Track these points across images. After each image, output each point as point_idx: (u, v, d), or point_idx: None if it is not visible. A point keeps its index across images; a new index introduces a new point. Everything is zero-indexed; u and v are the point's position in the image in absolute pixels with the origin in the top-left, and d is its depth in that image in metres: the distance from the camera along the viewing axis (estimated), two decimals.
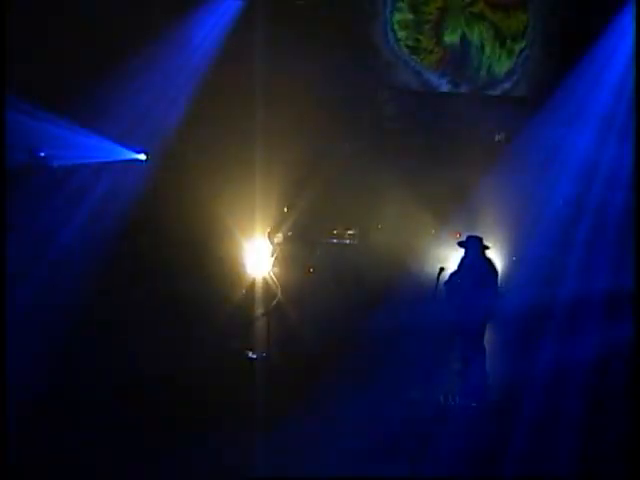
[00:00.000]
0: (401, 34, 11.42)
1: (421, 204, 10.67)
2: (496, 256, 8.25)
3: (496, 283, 7.59)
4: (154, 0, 9.76)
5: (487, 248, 7.67)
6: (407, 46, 11.46)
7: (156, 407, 6.72)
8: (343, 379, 7.42)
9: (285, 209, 10.33)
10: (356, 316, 8.85)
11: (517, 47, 11.40)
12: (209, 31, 10.56)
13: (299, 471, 5.84)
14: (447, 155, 10.87)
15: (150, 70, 9.90)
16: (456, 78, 11.49)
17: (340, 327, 8.69)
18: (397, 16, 11.37)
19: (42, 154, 9.02)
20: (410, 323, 8.22)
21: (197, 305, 8.72)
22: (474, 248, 7.63)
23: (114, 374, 7.28)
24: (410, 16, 11.36)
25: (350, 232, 11.40)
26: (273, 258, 8.85)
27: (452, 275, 7.66)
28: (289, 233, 9.19)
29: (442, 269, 7.59)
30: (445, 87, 11.56)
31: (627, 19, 9.79)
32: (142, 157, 10.07)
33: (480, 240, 7.66)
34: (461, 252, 7.80)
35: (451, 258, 8.57)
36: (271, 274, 8.77)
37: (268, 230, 9.62)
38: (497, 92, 11.51)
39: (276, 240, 9.02)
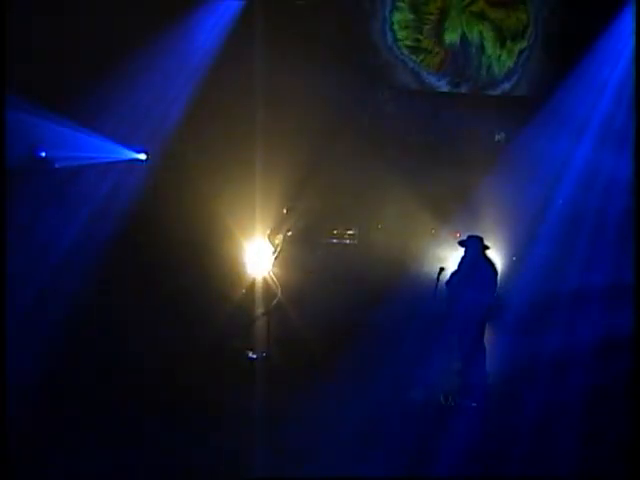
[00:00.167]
0: (401, 34, 11.42)
1: (421, 204, 10.68)
2: (496, 256, 8.24)
3: (496, 283, 7.58)
4: (154, 0, 9.75)
5: (487, 248, 7.66)
6: (407, 46, 11.46)
7: (156, 407, 6.72)
8: (343, 379, 7.42)
9: (284, 211, 10.32)
10: (356, 316, 8.85)
11: (517, 47, 11.41)
12: (209, 31, 10.56)
13: (299, 471, 5.84)
14: (447, 155, 10.89)
15: (150, 70, 9.90)
16: (456, 78, 11.50)
17: (340, 327, 8.69)
18: (397, 16, 11.37)
19: (43, 154, 9.03)
20: (410, 323, 8.22)
21: (197, 305, 8.73)
22: (474, 248, 7.62)
23: (114, 374, 7.27)
24: (410, 16, 11.36)
25: (350, 232, 11.41)
26: (274, 258, 8.84)
27: (452, 275, 7.65)
28: (289, 233, 9.17)
29: (442, 269, 7.60)
30: (445, 87, 11.57)
31: (627, 19, 9.80)
32: (142, 157, 10.07)
33: (480, 240, 7.65)
34: (461, 252, 7.79)
35: (451, 258, 8.57)
36: (271, 274, 8.76)
37: (268, 231, 9.61)
38: (497, 92, 11.52)
39: (276, 241, 9.01)
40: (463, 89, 11.56)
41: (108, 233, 9.10)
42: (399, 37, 11.43)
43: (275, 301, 8.55)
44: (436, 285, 7.49)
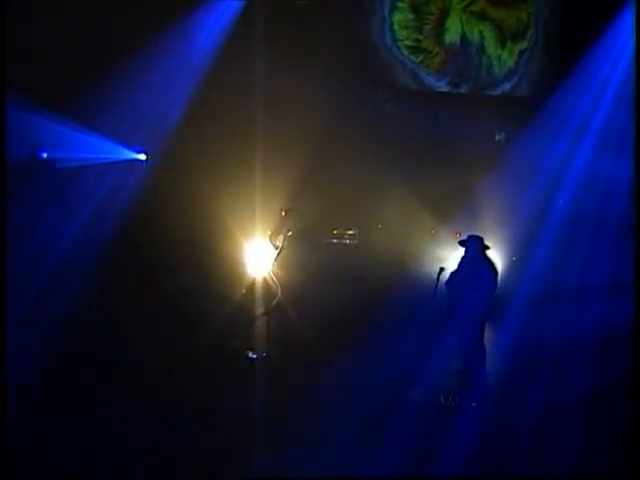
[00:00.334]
0: (401, 34, 11.42)
1: (421, 204, 10.68)
2: (496, 256, 8.24)
3: (496, 283, 7.58)
4: (154, 0, 9.75)
5: (487, 248, 7.66)
6: (407, 46, 11.46)
7: (156, 407, 6.71)
8: (343, 379, 7.42)
9: (283, 213, 10.32)
10: (356, 316, 8.85)
11: (517, 47, 11.40)
12: (209, 31, 10.56)
13: (299, 471, 5.84)
14: (447, 155, 10.88)
15: (150, 70, 9.91)
16: (456, 78, 11.50)
17: (340, 327, 8.69)
18: (397, 16, 11.37)
19: (44, 155, 9.04)
20: (410, 323, 8.22)
21: (197, 305, 8.72)
22: (474, 248, 7.61)
23: (114, 374, 7.27)
24: (410, 16, 11.36)
25: (350, 232, 11.41)
26: (275, 259, 8.84)
27: (452, 274, 7.65)
28: (289, 233, 9.18)
29: (442, 269, 7.60)
30: (445, 87, 11.57)
31: (627, 19, 9.80)
32: (142, 157, 10.08)
33: (481, 240, 7.65)
34: (461, 252, 7.79)
35: (451, 258, 8.57)
36: (271, 274, 8.76)
37: (269, 232, 9.62)
38: (497, 92, 11.51)
39: (277, 242, 9.02)
40: (463, 89, 11.56)
41: (108, 233, 9.10)
42: (399, 37, 11.43)
43: (275, 301, 8.54)
44: (436, 285, 7.49)
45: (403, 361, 7.75)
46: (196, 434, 6.36)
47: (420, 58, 11.48)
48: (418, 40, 11.44)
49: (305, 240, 9.79)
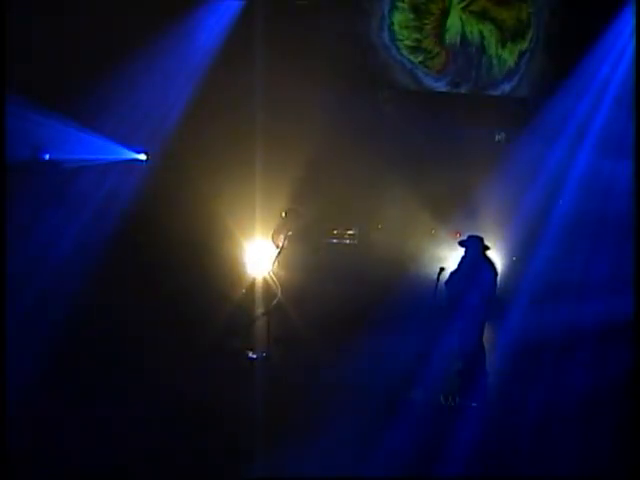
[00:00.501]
0: (401, 34, 11.42)
1: (421, 204, 10.68)
2: (496, 256, 8.24)
3: (496, 283, 7.58)
4: (154, 0, 9.75)
5: (488, 248, 7.66)
6: (407, 46, 11.46)
7: (156, 407, 6.71)
8: (343, 379, 7.42)
9: (283, 214, 10.32)
10: (356, 316, 8.85)
11: (518, 47, 11.40)
12: (209, 31, 10.56)
13: (299, 471, 5.84)
14: (447, 155, 10.88)
15: (150, 70, 9.91)
16: (456, 78, 11.50)
17: (340, 327, 8.69)
18: (397, 16, 11.37)
19: (47, 156, 9.05)
20: (410, 323, 8.22)
21: (197, 305, 8.72)
22: (474, 248, 7.62)
23: (114, 374, 7.27)
24: (410, 16, 11.36)
25: (350, 232, 11.41)
26: (276, 258, 8.84)
27: (452, 274, 7.65)
28: (289, 233, 9.19)
29: (442, 269, 7.60)
30: (445, 87, 11.57)
31: (627, 19, 9.80)
32: (142, 157, 10.08)
33: (481, 240, 7.65)
34: (461, 252, 7.79)
35: (451, 258, 8.57)
36: (271, 274, 8.76)
37: (272, 231, 9.63)
38: (497, 92, 11.51)
39: (279, 242, 9.03)
40: (463, 89, 11.56)
41: (108, 233, 9.10)
42: (399, 37, 11.43)
43: (275, 301, 8.54)
44: (436, 285, 7.49)
45: (403, 361, 7.75)
46: (196, 434, 6.35)
47: (420, 58, 11.48)
48: (418, 40, 11.43)
49: (305, 240, 9.78)
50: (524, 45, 11.38)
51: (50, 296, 7.99)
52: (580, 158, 10.23)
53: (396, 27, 11.41)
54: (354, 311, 9.02)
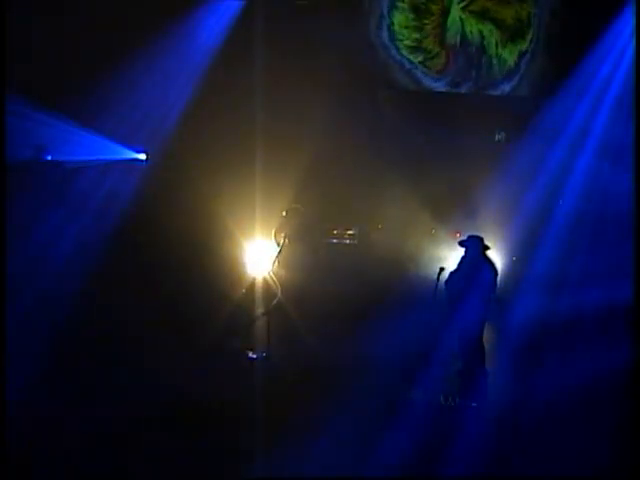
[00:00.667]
0: (401, 34, 11.42)
1: (421, 204, 10.68)
2: (496, 256, 8.24)
3: (496, 283, 7.58)
4: (154, 0, 9.76)
5: (488, 248, 7.66)
6: (407, 46, 11.46)
7: (156, 407, 6.72)
8: (343, 379, 7.42)
9: (284, 213, 10.34)
10: (356, 316, 8.85)
11: (518, 47, 11.39)
12: (209, 31, 10.57)
13: (299, 471, 5.84)
14: (447, 155, 10.87)
15: (150, 70, 9.91)
16: (456, 78, 11.49)
17: (340, 327, 8.69)
18: (397, 16, 11.37)
19: (48, 157, 9.06)
20: (410, 322, 8.22)
21: (197, 305, 8.72)
22: (474, 248, 7.62)
23: (114, 374, 7.27)
24: (410, 15, 11.36)
25: (350, 232, 11.41)
26: (276, 258, 8.84)
27: (452, 274, 7.65)
28: (290, 233, 9.20)
29: (442, 269, 7.60)
30: (445, 87, 11.57)
31: (627, 20, 9.80)
32: (142, 157, 10.08)
33: (481, 240, 7.65)
34: (461, 252, 7.79)
35: (450, 258, 8.57)
36: (271, 274, 8.76)
37: (274, 230, 9.65)
38: (497, 92, 11.51)
39: (281, 241, 9.03)
40: (463, 89, 11.55)
41: (108, 233, 9.10)
42: (399, 37, 11.42)
43: (275, 301, 8.54)
44: (436, 285, 7.49)
45: (403, 361, 7.75)
46: (196, 434, 6.35)
47: (420, 58, 11.48)
48: (418, 40, 11.43)
49: (305, 240, 9.79)
50: (524, 45, 11.38)
51: (50, 296, 7.99)
52: (580, 158, 10.23)
53: (396, 27, 11.41)
54: (354, 311, 9.01)
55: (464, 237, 7.90)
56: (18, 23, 7.86)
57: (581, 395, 7.00)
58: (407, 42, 11.44)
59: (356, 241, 11.42)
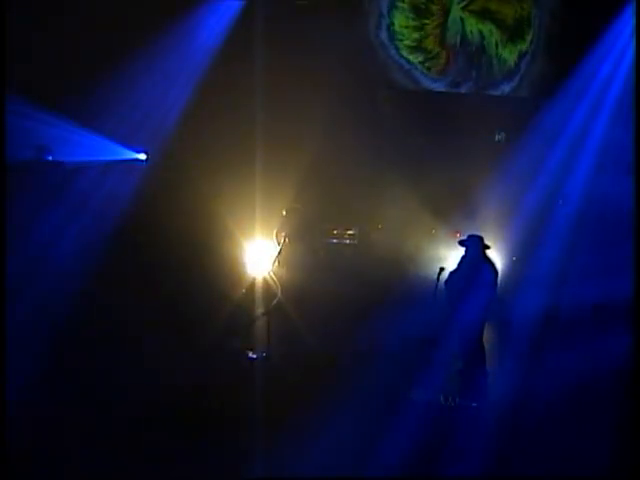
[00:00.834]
0: (401, 34, 11.43)
1: (421, 204, 10.68)
2: (496, 256, 8.24)
3: (496, 283, 7.57)
4: (154, 0, 9.76)
5: (488, 248, 7.65)
6: (407, 46, 11.47)
7: (156, 407, 6.71)
8: (343, 379, 7.42)
9: (284, 212, 10.35)
10: (356, 316, 8.84)
11: (518, 47, 11.40)
12: (209, 31, 10.57)
13: (299, 471, 5.84)
14: (447, 155, 10.88)
15: (150, 70, 9.92)
16: (456, 78, 11.50)
17: (340, 327, 8.68)
18: (397, 16, 11.38)
19: (50, 157, 9.06)
20: (410, 322, 8.22)
21: (197, 305, 8.72)
22: (474, 247, 7.61)
23: (113, 374, 7.27)
24: (411, 15, 11.37)
25: (350, 232, 11.41)
26: (276, 258, 8.84)
27: (452, 274, 7.65)
28: (290, 233, 9.20)
29: (442, 269, 7.60)
30: (445, 87, 11.57)
31: (627, 20, 9.81)
32: (142, 157, 10.08)
33: (481, 239, 7.64)
34: (461, 251, 7.79)
35: (450, 258, 8.57)
36: (271, 274, 8.76)
37: (275, 230, 9.64)
38: (497, 92, 11.52)
39: (282, 240, 9.04)
40: (463, 89, 11.56)
41: (108, 233, 9.10)
42: (399, 37, 11.43)
43: (275, 301, 8.53)
44: (436, 285, 7.49)
45: (403, 361, 7.75)
46: (196, 434, 6.35)
47: (420, 58, 11.48)
48: (418, 40, 11.44)
49: (305, 240, 9.79)
50: (524, 45, 11.38)
51: (50, 296, 7.99)
52: (580, 158, 10.23)
53: (396, 27, 11.42)
54: (354, 311, 9.01)
55: (464, 237, 7.89)
56: (18, 23, 7.86)
57: (581, 395, 7.01)
58: (407, 42, 11.45)
59: (356, 241, 11.42)
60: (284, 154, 10.06)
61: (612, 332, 7.78)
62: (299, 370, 7.83)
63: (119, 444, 6.09)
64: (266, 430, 6.45)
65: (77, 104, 8.99)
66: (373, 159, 10.53)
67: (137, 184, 9.73)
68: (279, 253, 8.95)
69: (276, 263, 8.94)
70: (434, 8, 11.34)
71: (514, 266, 10.04)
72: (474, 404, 7.19)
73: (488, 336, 7.77)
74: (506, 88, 11.50)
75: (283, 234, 9.41)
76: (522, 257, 10.15)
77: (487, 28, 11.35)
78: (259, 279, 8.93)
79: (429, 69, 11.51)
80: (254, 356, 8.16)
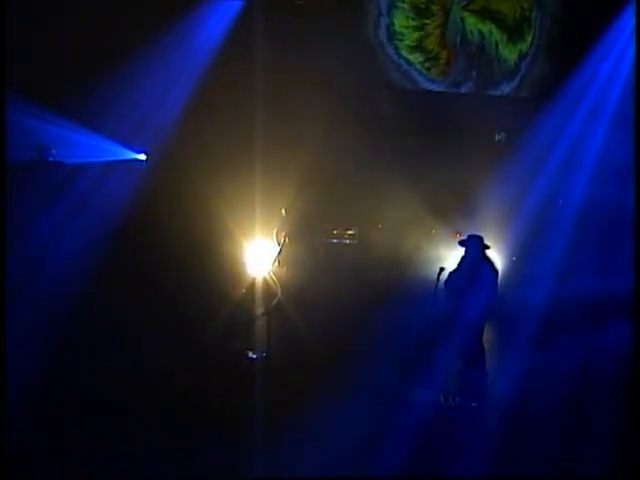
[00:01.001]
0: (401, 34, 11.43)
1: (421, 204, 10.68)
2: (496, 256, 8.24)
3: (496, 283, 7.57)
4: (155, 0, 9.77)
5: (488, 248, 7.65)
6: (407, 46, 11.47)
7: (156, 407, 6.71)
8: (343, 379, 7.42)
9: (283, 211, 10.35)
10: (356, 316, 8.85)
11: (518, 48, 11.40)
12: (209, 31, 10.57)
13: (299, 471, 5.84)
14: (447, 155, 10.88)
15: (150, 70, 9.92)
16: (456, 78, 11.50)
17: (340, 327, 8.68)
18: (398, 16, 11.38)
19: (48, 157, 9.06)
20: (410, 323, 8.22)
21: (197, 305, 8.72)
22: (475, 247, 7.60)
23: (113, 374, 7.27)
24: (411, 15, 11.36)
25: (350, 232, 11.42)
26: (276, 257, 8.84)
27: (451, 274, 7.64)
28: (290, 233, 9.20)
29: (442, 269, 7.60)
30: (445, 87, 11.57)
31: (627, 20, 9.81)
32: (142, 157, 10.08)
33: (481, 239, 7.64)
34: (461, 251, 7.79)
35: (450, 258, 8.57)
36: (271, 274, 8.76)
37: (275, 230, 9.63)
38: (498, 92, 11.52)
39: (282, 240, 9.03)
40: (463, 89, 11.56)
41: (108, 233, 9.10)
42: (399, 37, 11.43)
43: (275, 301, 8.53)
44: (436, 285, 7.48)
45: (403, 361, 7.75)
46: (196, 434, 6.35)
47: (420, 58, 11.48)
48: (418, 40, 11.44)
49: (305, 240, 9.78)
50: (524, 45, 11.39)
51: (50, 296, 7.99)
52: (580, 158, 10.23)
53: (396, 27, 11.42)
54: (354, 311, 9.01)
55: (464, 237, 7.89)
56: (18, 23, 7.86)
57: (581, 395, 7.01)
58: (407, 42, 11.45)
59: (356, 241, 11.42)
60: (284, 154, 10.06)
61: (612, 332, 7.79)
62: (299, 370, 7.83)
63: (119, 444, 6.09)
64: (266, 430, 6.45)
65: (77, 104, 8.99)
66: (373, 159, 10.53)
67: (137, 184, 9.73)
68: (279, 253, 8.95)
69: (276, 263, 8.94)
70: (434, 8, 11.33)
71: (514, 266, 10.05)
72: (474, 404, 7.19)
73: (488, 336, 7.77)
74: (506, 88, 11.50)
75: (283, 234, 9.39)
76: (522, 257, 10.15)
77: (487, 28, 11.35)
78: (259, 279, 8.93)
79: (429, 69, 11.51)
80: (254, 356, 8.16)
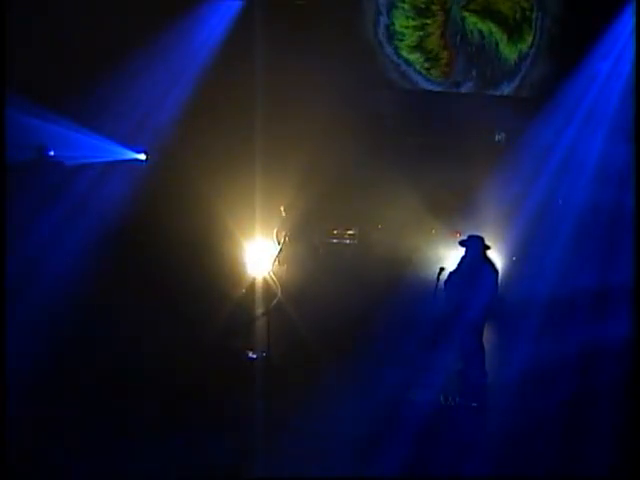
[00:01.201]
0: (402, 34, 11.43)
1: (421, 204, 10.68)
2: (496, 256, 8.23)
3: (496, 283, 7.56)
4: (155, 0, 9.76)
5: (488, 248, 7.65)
6: (407, 46, 11.47)
7: (156, 407, 6.71)
8: (343, 379, 7.42)
9: (282, 210, 10.35)
10: (356, 316, 8.85)
11: (518, 47, 11.40)
12: (209, 31, 10.58)
13: (299, 471, 5.84)
14: (447, 155, 10.88)
15: (150, 70, 9.92)
16: (457, 78, 11.50)
17: (340, 327, 8.69)
18: (398, 16, 11.38)
19: (48, 157, 9.07)
20: (410, 322, 8.22)
21: (197, 305, 8.72)
22: (475, 247, 7.59)
23: (114, 373, 7.27)
24: (411, 16, 11.36)
25: (350, 232, 11.42)
26: (276, 257, 8.84)
27: (452, 274, 7.64)
28: (290, 233, 9.20)
29: (442, 269, 7.59)
30: (445, 87, 11.57)
31: (627, 20, 9.81)
32: (142, 157, 10.08)
33: (481, 240, 7.63)
34: (461, 251, 7.78)
35: (450, 258, 8.56)
36: (271, 274, 8.76)
37: (275, 229, 9.63)
38: (498, 92, 11.52)
39: (283, 240, 9.03)
40: (463, 89, 11.56)
41: (108, 233, 9.10)
42: (399, 37, 11.43)
43: (275, 301, 8.53)
44: (436, 285, 7.48)
45: (403, 361, 7.75)
46: (196, 434, 6.35)
47: (420, 58, 11.48)
48: (418, 40, 11.44)
49: (305, 240, 9.78)
50: (525, 45, 11.39)
51: (50, 296, 7.99)
52: (580, 159, 10.23)
53: (396, 27, 11.41)
54: (354, 311, 9.01)
55: (464, 237, 7.89)
56: (18, 23, 7.86)
57: (581, 395, 7.01)
58: (407, 42, 11.45)
59: (356, 241, 11.43)
60: (284, 154, 10.06)
61: (612, 332, 7.78)
62: (299, 370, 7.83)
63: (119, 444, 6.09)
64: (266, 430, 6.45)
65: (77, 104, 8.99)
66: (373, 159, 10.53)
67: (137, 184, 9.73)
68: (279, 252, 8.95)
69: (276, 262, 8.93)
70: (434, 8, 11.33)
71: (514, 266, 10.05)
72: (474, 404, 7.19)
73: (488, 336, 7.76)
74: (506, 88, 11.50)
75: (283, 233, 9.39)
76: (522, 257, 10.15)
77: (487, 28, 11.35)
78: (259, 279, 8.93)
79: (429, 69, 11.51)
80: (254, 356, 8.16)
